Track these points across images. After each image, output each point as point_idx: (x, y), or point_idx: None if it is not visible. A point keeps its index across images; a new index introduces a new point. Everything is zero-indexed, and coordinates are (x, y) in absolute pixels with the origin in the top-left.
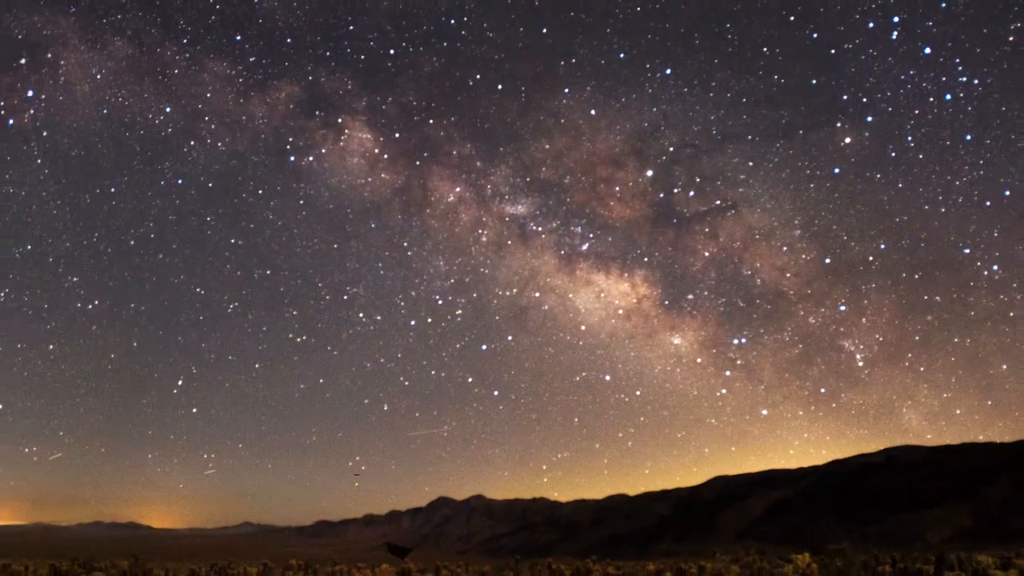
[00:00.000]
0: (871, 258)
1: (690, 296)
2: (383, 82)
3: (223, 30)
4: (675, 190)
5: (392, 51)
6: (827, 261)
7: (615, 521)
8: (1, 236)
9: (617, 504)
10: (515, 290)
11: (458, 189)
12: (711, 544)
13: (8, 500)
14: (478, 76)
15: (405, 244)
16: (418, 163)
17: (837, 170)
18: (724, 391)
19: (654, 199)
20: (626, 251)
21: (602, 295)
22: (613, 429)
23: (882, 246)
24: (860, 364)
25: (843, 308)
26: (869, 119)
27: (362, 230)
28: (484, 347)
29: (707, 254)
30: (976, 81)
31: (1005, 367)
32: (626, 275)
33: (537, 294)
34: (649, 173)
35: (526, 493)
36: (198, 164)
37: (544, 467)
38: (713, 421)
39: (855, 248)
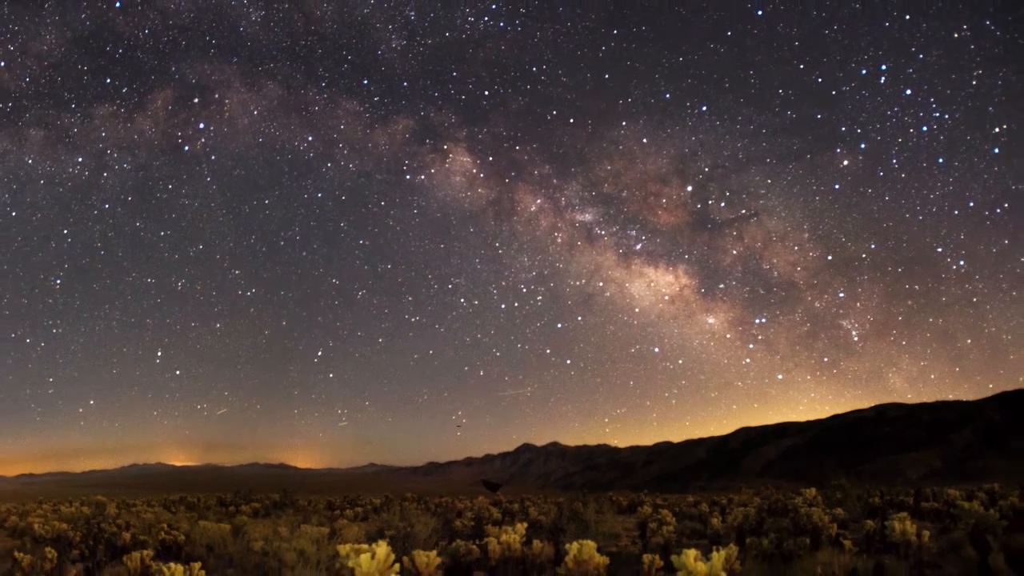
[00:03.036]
0: (864, 255)
1: (721, 285)
2: (480, 117)
3: (353, 75)
4: (709, 202)
5: (487, 92)
6: (829, 258)
7: (663, 463)
8: (179, 238)
9: (664, 449)
10: (583, 280)
11: (538, 201)
12: (737, 481)
13: (185, 446)
14: (554, 112)
15: (497, 244)
16: (507, 180)
17: (837, 186)
18: (748, 360)
19: (693, 209)
20: (671, 250)
21: (652, 284)
22: (660, 390)
23: (872, 246)
24: (855, 339)
25: (842, 295)
26: (862, 146)
27: (463, 233)
28: (559, 325)
29: (735, 252)
30: (947, 116)
31: (969, 341)
32: (671, 269)
33: (601, 284)
34: (689, 188)
35: (592, 440)
36: (334, 181)
37: (606, 420)
38: (739, 384)
39: (851, 247)
